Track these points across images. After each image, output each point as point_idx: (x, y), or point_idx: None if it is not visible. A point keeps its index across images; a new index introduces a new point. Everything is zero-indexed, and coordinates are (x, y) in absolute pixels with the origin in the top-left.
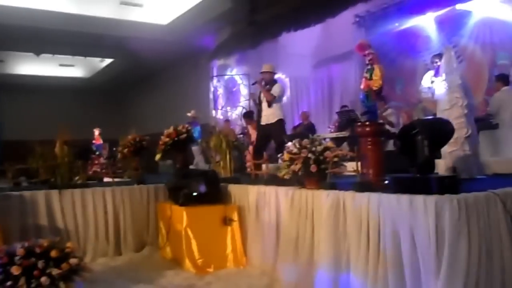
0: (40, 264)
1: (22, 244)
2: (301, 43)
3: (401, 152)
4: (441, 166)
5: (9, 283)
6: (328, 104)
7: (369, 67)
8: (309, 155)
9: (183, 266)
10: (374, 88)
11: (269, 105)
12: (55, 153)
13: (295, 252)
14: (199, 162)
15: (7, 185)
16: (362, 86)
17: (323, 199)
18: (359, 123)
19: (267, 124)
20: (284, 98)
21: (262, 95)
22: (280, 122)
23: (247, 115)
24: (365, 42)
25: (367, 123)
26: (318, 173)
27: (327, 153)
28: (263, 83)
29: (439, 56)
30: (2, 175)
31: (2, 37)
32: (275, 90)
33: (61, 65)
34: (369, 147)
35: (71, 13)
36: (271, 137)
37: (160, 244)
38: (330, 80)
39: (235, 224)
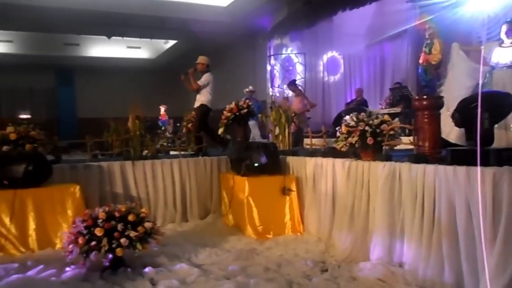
0: (120, 227)
1: (103, 208)
2: (355, 22)
3: (459, 125)
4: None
5: (93, 243)
6: (379, 81)
7: (428, 41)
8: (366, 128)
9: (245, 232)
10: (433, 63)
11: (197, 92)
12: (127, 128)
13: (351, 220)
14: (255, 136)
15: (87, 157)
16: (420, 61)
17: (379, 170)
18: (416, 97)
19: (195, 108)
20: (337, 76)
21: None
22: (201, 107)
23: (291, 84)
24: (426, 17)
25: (425, 96)
26: (374, 146)
27: (384, 126)
28: (194, 72)
29: None
30: (79, 148)
31: (77, 22)
32: (201, 80)
33: (129, 47)
34: (426, 120)
35: None
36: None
37: (223, 211)
38: (383, 58)
39: (293, 194)
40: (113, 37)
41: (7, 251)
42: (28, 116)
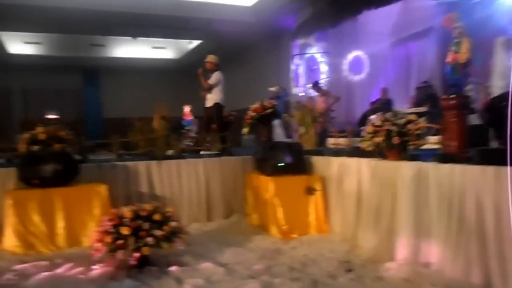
0: (146, 226)
1: (130, 208)
2: (380, 21)
3: (488, 125)
4: None
5: (120, 241)
6: (404, 80)
7: (456, 40)
8: (392, 127)
9: (269, 231)
10: (461, 62)
11: (209, 91)
12: (152, 128)
13: (376, 220)
14: (279, 136)
15: (113, 157)
16: (448, 60)
17: (405, 170)
18: (444, 97)
19: (208, 107)
20: (362, 75)
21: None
22: (216, 106)
23: (315, 84)
24: (453, 15)
25: (452, 96)
26: (400, 145)
27: (410, 126)
28: (204, 72)
29: None
30: (105, 148)
31: (103, 23)
32: (212, 79)
33: (153, 47)
34: (454, 119)
35: None
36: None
37: (247, 211)
38: (408, 57)
39: (318, 194)
40: (138, 38)
41: (37, 249)
42: (56, 116)
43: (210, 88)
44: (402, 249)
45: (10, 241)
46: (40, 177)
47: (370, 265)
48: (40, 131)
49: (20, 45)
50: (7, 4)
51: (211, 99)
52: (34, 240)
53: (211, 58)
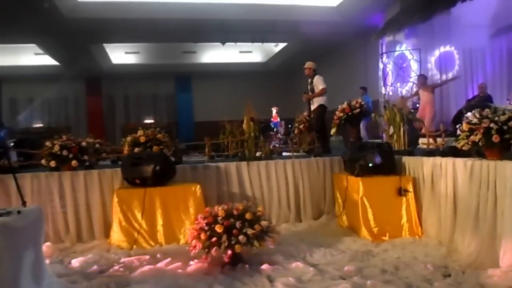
0: (238, 224)
1: (222, 207)
2: (477, 12)
3: None
4: None
5: (214, 239)
6: (506, 75)
7: None
8: (491, 125)
9: (360, 233)
10: None
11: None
12: (242, 130)
13: (475, 223)
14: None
15: (204, 158)
16: None
17: (507, 170)
18: None
19: (313, 110)
20: (454, 71)
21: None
22: (320, 107)
23: (422, 77)
24: None
25: None
26: (501, 144)
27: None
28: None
29: None
30: (195, 150)
31: (194, 31)
32: (320, 81)
33: (241, 52)
34: None
35: (250, 3)
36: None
37: (336, 212)
38: (510, 49)
39: (410, 195)
40: (227, 43)
41: (140, 244)
42: (152, 121)
43: (324, 91)
44: (507, 255)
45: (117, 236)
46: (141, 177)
47: (470, 271)
48: (140, 134)
49: (121, 55)
50: (111, 18)
51: (316, 101)
52: (137, 236)
53: (310, 64)
